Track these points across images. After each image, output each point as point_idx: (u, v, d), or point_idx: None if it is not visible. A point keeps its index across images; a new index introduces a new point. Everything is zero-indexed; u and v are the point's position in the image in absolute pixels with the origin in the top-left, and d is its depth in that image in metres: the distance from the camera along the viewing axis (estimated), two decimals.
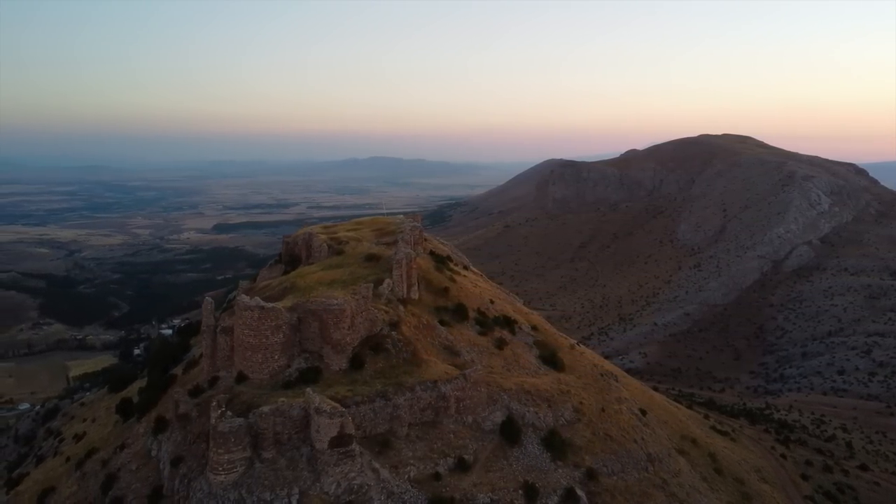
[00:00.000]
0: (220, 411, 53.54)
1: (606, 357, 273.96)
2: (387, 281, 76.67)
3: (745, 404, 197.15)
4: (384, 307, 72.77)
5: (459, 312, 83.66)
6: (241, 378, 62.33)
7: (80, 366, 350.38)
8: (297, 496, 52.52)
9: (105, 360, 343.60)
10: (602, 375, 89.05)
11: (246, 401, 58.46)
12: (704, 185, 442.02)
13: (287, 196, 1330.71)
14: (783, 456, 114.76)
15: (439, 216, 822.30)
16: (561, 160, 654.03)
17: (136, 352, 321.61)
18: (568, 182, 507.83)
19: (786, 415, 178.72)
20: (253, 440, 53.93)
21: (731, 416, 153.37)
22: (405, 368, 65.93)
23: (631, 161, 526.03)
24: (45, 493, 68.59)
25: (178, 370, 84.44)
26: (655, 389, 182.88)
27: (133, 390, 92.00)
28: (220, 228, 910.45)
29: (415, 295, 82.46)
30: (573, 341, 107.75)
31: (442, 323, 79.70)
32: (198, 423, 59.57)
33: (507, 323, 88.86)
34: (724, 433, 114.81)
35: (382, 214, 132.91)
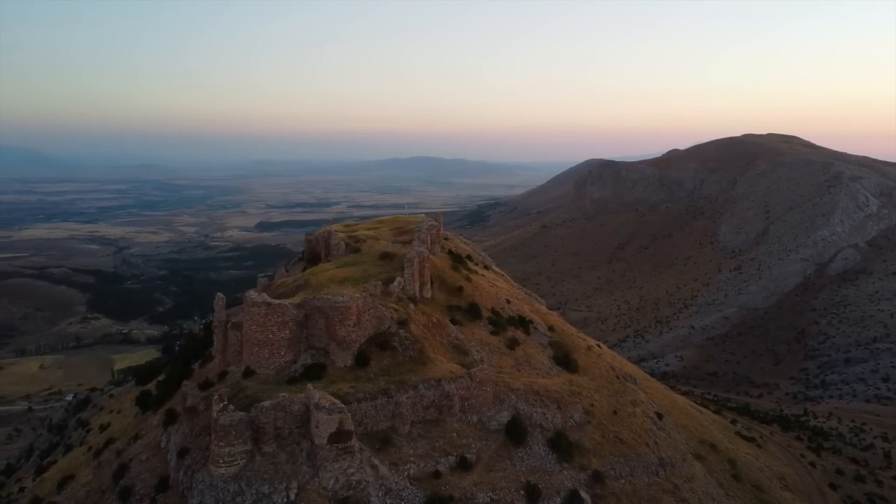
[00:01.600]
0: (221, 405, 54.56)
1: (641, 360, 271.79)
2: (398, 279, 77.11)
3: (781, 410, 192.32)
4: (394, 305, 73.14)
5: (472, 312, 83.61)
6: (248, 373, 63.47)
7: (125, 359, 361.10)
8: (295, 490, 53.14)
9: (149, 354, 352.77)
10: (618, 378, 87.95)
11: (250, 395, 59.47)
12: (747, 186, 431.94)
13: (328, 195, 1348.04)
14: (812, 464, 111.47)
15: (478, 216, 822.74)
16: (601, 160, 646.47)
17: (178, 346, 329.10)
18: (606, 182, 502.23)
19: (823, 422, 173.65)
20: (254, 434, 54.72)
21: (763, 422, 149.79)
22: (410, 366, 66.16)
23: (671, 161, 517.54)
24: (65, 481, 71.06)
25: (197, 364, 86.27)
26: (689, 394, 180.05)
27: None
28: (262, 227, 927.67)
29: (427, 294, 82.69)
30: (593, 343, 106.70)
31: (454, 322, 79.78)
32: (204, 416, 60.80)
33: (522, 323, 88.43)
34: (749, 439, 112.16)
35: (405, 213, 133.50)
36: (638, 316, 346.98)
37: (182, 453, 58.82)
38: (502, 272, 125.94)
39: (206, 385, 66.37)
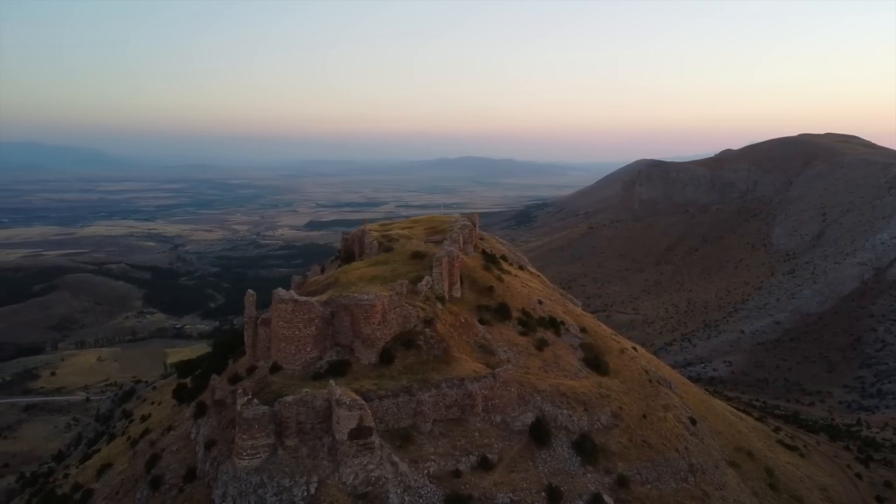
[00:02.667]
0: (246, 399, 55.91)
1: (688, 364, 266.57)
2: (426, 278, 77.49)
3: (832, 419, 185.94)
4: (421, 304, 73.54)
5: (502, 312, 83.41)
6: (276, 368, 64.85)
7: (177, 353, 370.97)
8: (315, 484, 53.99)
9: (200, 349, 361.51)
10: (651, 381, 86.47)
11: (275, 390, 60.76)
12: (803, 187, 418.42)
13: (377, 195, 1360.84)
14: (858, 476, 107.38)
15: (525, 216, 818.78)
16: (651, 160, 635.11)
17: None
18: (655, 183, 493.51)
19: (877, 433, 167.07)
20: (277, 428, 55.80)
21: (811, 431, 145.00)
22: (434, 365, 66.41)
23: (723, 161, 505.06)
24: (104, 469, 74.04)
25: (232, 360, 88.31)
26: (734, 400, 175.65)
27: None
28: (312, 225, 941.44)
29: (457, 293, 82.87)
30: (628, 345, 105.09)
31: (482, 322, 79.80)
32: (231, 409, 62.28)
33: (553, 324, 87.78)
34: (792, 448, 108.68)
35: (440, 213, 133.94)
36: (686, 319, 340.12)
37: (209, 445, 60.50)
38: (538, 273, 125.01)
39: (235, 379, 68.12)
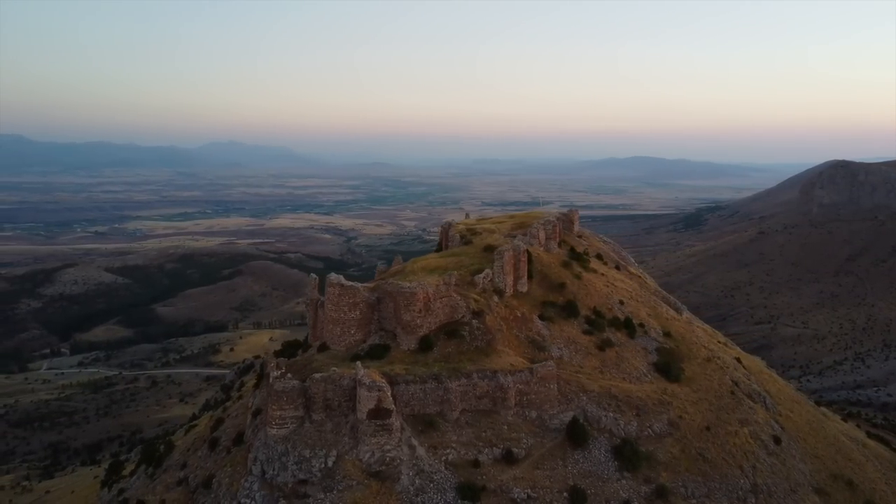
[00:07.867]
0: (278, 373, 60.43)
1: (857, 386, 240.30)
2: (486, 271, 77.86)
3: None
4: (475, 296, 74.16)
5: (568, 309, 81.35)
6: (323, 348, 68.99)
7: None
8: (333, 458, 57.19)
9: None
10: (734, 394, 79.97)
11: (315, 367, 64.74)
12: None
13: (542, 194, 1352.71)
14: None
15: (695, 219, 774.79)
16: (837, 161, 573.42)
17: None
18: (839, 185, 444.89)
19: None
20: (306, 402, 59.75)
21: None
22: (472, 356, 66.87)
23: None
24: (190, 429, 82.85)
25: None
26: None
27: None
28: None
29: (523, 288, 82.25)
30: (732, 355, 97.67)
31: (543, 318, 78.55)
32: None
33: (628, 325, 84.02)
34: None
35: (540, 208, 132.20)
36: (862, 337, 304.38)
37: (256, 413, 65.93)
38: (640, 273, 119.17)
39: (293, 356, 73.21)
